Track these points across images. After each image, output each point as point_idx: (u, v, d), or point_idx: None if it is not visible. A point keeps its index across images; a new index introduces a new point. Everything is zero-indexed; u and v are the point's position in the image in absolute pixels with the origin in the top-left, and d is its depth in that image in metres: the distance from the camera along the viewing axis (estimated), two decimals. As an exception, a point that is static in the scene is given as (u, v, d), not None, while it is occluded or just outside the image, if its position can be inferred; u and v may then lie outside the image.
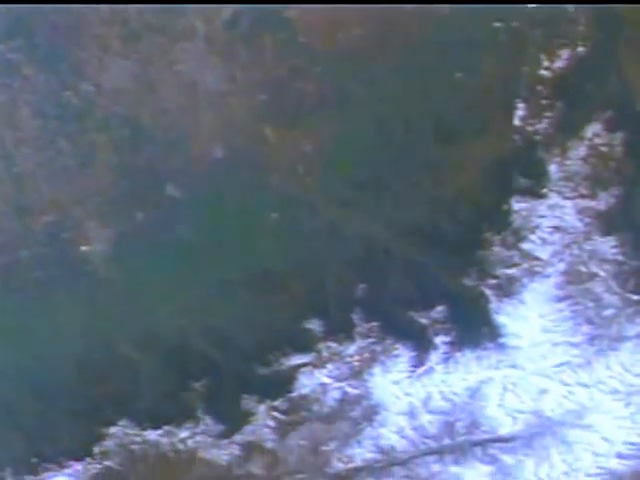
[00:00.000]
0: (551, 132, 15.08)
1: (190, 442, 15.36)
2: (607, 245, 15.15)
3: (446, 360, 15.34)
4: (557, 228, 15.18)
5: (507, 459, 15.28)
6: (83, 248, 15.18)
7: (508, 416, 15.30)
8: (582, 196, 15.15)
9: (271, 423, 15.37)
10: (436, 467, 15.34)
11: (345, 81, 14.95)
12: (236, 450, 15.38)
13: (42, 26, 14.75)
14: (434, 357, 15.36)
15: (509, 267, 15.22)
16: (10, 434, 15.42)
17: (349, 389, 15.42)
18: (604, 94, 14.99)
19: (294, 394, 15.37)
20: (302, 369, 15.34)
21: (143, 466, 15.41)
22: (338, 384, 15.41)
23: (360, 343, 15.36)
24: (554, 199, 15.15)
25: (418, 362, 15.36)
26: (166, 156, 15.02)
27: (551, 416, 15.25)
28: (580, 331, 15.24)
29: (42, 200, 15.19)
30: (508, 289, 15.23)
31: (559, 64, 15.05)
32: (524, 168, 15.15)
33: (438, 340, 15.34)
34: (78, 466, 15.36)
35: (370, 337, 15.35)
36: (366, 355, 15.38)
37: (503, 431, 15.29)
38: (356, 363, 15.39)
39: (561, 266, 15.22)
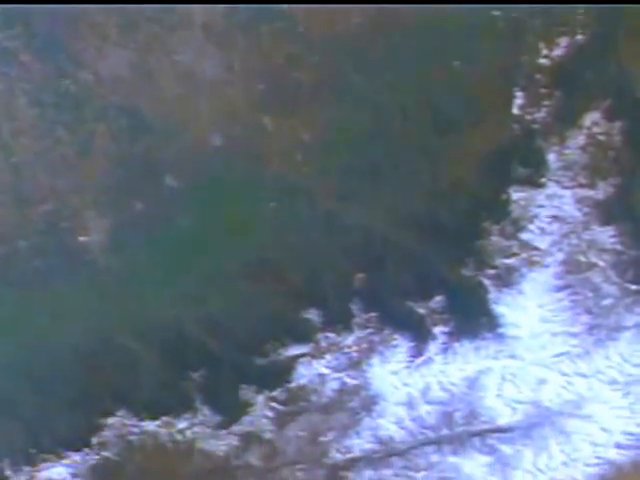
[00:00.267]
0: (550, 121, 15.06)
1: (188, 433, 15.36)
2: (606, 235, 15.12)
3: (445, 350, 15.33)
4: (556, 218, 15.15)
5: (506, 449, 15.27)
6: (81, 238, 15.17)
7: (507, 406, 15.28)
8: (581, 185, 15.13)
9: (269, 414, 15.35)
10: (435, 457, 15.32)
11: (343, 70, 14.93)
12: (234, 441, 15.38)
13: (40, 14, 14.74)
14: (433, 347, 15.34)
15: (508, 257, 15.20)
16: (8, 425, 15.42)
17: (347, 379, 15.41)
18: (603, 82, 14.96)
19: (292, 384, 15.36)
20: (300, 359, 15.33)
21: (141, 457, 15.41)
22: (336, 374, 15.40)
23: (358, 333, 15.34)
24: (553, 188, 15.12)
25: (417, 352, 15.34)
26: (164, 145, 15.01)
27: (550, 406, 15.23)
28: (579, 321, 15.21)
29: (40, 190, 15.18)
30: (507, 279, 15.21)
31: (558, 52, 15.02)
32: (523, 157, 15.12)
33: (437, 330, 15.33)
34: (76, 457, 15.37)
35: (368, 327, 15.34)
36: (364, 345, 15.36)
37: (502, 421, 15.28)
38: (354, 353, 15.38)
39: (560, 256, 15.20)
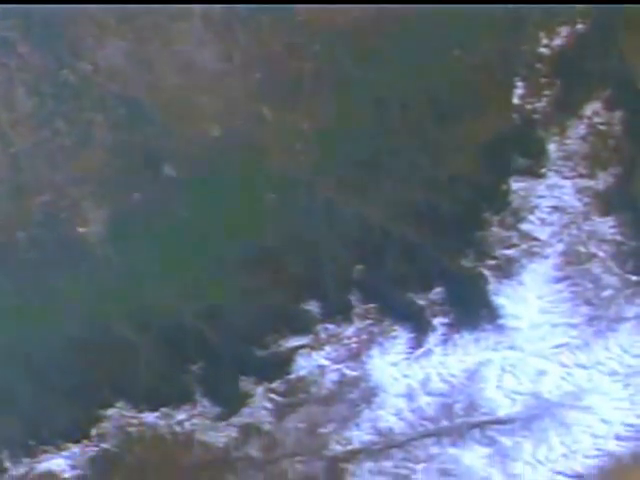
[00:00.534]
0: (550, 111, 15.01)
1: (187, 424, 15.34)
2: (606, 225, 15.07)
3: (444, 342, 15.29)
4: (556, 208, 15.10)
5: (505, 441, 15.22)
6: (80, 229, 15.15)
7: (506, 398, 15.24)
8: (581, 176, 15.08)
9: (269, 405, 15.33)
10: (434, 449, 15.29)
11: (343, 60, 14.90)
12: (233, 432, 15.36)
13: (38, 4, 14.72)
14: (432, 339, 15.30)
15: (508, 248, 15.15)
16: (7, 417, 15.42)
17: (347, 371, 15.38)
18: (603, 72, 14.90)
19: (292, 376, 15.33)
20: (300, 351, 15.30)
21: (140, 448, 15.39)
22: (336, 366, 15.37)
23: (358, 325, 15.31)
24: (553, 179, 15.08)
25: (416, 344, 15.31)
26: (163, 135, 14.99)
27: (549, 398, 15.18)
28: (579, 312, 15.16)
29: (39, 180, 15.17)
30: (507, 270, 15.16)
31: (558, 42, 14.97)
32: (523, 147, 15.07)
33: (436, 322, 15.29)
34: (75, 448, 15.37)
35: (368, 319, 15.31)
36: (364, 337, 15.33)
37: (501, 413, 15.24)
38: (354, 345, 15.35)
39: (560, 247, 15.15)
